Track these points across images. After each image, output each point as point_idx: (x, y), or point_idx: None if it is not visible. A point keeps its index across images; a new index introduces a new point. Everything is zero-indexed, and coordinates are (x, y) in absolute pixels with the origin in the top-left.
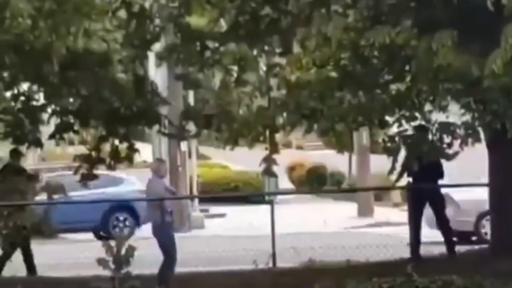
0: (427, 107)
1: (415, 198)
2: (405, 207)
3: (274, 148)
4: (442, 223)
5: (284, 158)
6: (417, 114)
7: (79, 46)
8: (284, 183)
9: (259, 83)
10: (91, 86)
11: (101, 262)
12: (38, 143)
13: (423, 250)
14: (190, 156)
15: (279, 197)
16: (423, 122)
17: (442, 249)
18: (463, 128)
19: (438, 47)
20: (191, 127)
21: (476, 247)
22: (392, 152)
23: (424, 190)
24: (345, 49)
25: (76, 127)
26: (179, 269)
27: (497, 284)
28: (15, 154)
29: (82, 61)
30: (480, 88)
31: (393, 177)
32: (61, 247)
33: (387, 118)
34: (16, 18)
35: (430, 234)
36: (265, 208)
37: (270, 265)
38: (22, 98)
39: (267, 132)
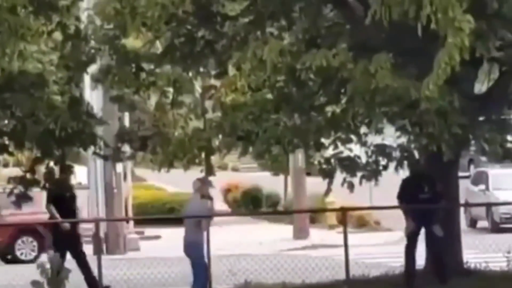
0: (363, 129)
1: (413, 216)
2: (341, 229)
3: (209, 170)
4: (434, 249)
5: (220, 180)
6: (352, 137)
7: (14, 68)
8: (220, 205)
9: (195, 105)
10: (26, 107)
11: (35, 284)
12: None
13: (362, 271)
14: (125, 178)
15: (215, 219)
16: (359, 145)
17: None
18: (399, 151)
19: (376, 69)
20: (127, 148)
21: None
22: (327, 174)
23: (421, 215)
24: (281, 72)
25: (11, 149)
26: None
27: None
28: (67, 169)
29: (17, 82)
30: (416, 110)
31: (329, 197)
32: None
33: (323, 140)
34: None
35: None
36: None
37: (206, 287)
38: None
39: (203, 154)
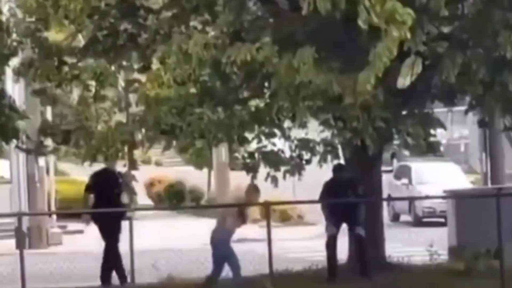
0: (287, 123)
1: (334, 217)
2: (264, 224)
3: (132, 164)
4: (357, 245)
5: (143, 174)
6: (276, 131)
7: None
8: (143, 199)
9: (118, 99)
10: None
11: None
12: None
13: (286, 266)
14: (48, 172)
15: (138, 213)
16: (283, 139)
17: None
18: (323, 145)
19: (299, 64)
20: (49, 142)
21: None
22: (251, 169)
23: (341, 209)
24: (206, 65)
25: None
26: (34, 284)
27: None
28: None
29: None
30: (340, 105)
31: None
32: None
33: (247, 134)
34: None
35: None
36: (124, 224)
37: (129, 281)
38: None
39: (126, 148)
